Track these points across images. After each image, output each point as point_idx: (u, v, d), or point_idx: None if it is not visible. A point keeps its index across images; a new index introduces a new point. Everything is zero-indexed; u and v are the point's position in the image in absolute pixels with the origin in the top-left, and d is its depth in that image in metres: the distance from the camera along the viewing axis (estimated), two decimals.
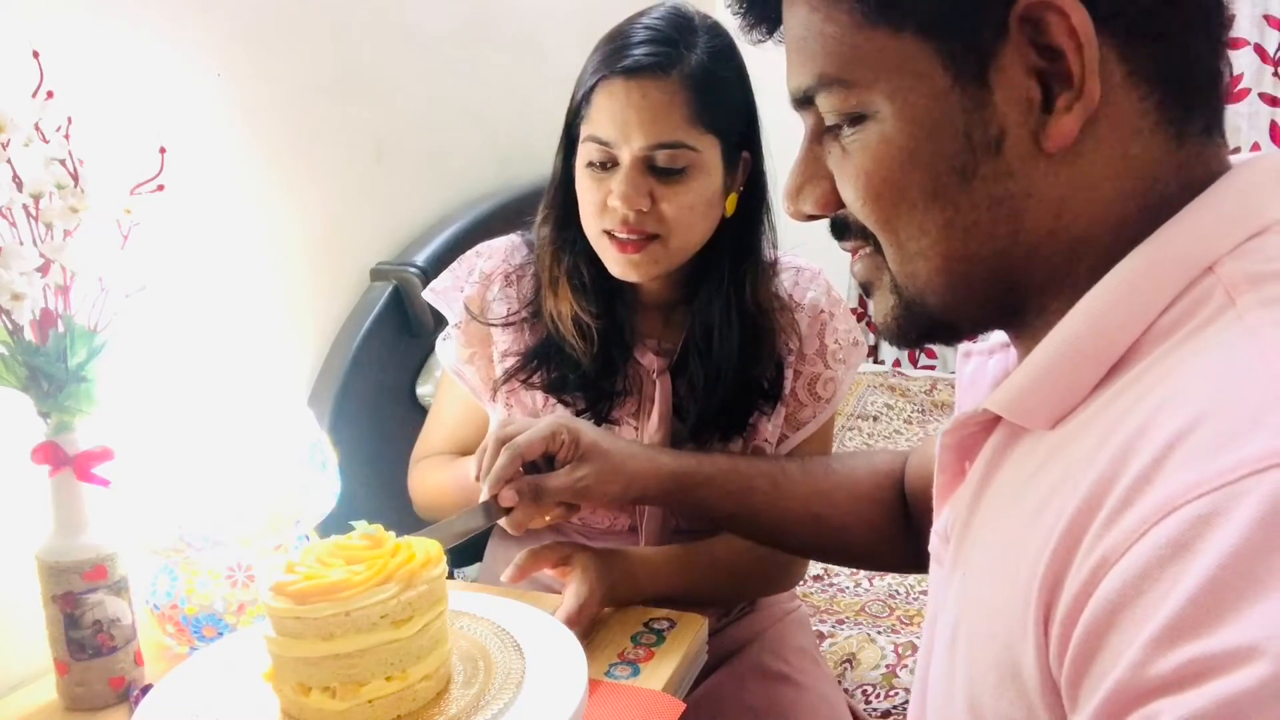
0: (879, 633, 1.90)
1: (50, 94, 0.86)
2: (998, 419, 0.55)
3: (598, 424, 1.13)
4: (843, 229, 0.59)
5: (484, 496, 0.95)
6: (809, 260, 1.21)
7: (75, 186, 0.86)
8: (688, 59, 1.03)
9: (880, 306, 0.58)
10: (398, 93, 1.62)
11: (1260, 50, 2.92)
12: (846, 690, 1.71)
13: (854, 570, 2.07)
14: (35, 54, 0.85)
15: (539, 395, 1.16)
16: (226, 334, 1.25)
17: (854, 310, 3.03)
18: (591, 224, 1.09)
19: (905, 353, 3.37)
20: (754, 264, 1.13)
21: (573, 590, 0.99)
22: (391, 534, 0.80)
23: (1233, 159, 0.53)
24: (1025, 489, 0.51)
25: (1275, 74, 2.93)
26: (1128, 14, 0.48)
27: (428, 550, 0.78)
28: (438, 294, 1.22)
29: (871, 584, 2.07)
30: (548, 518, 1.01)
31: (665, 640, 0.98)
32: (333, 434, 1.13)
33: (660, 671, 0.93)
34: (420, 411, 1.45)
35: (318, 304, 1.46)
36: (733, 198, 1.11)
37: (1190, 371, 0.45)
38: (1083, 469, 0.45)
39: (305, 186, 1.42)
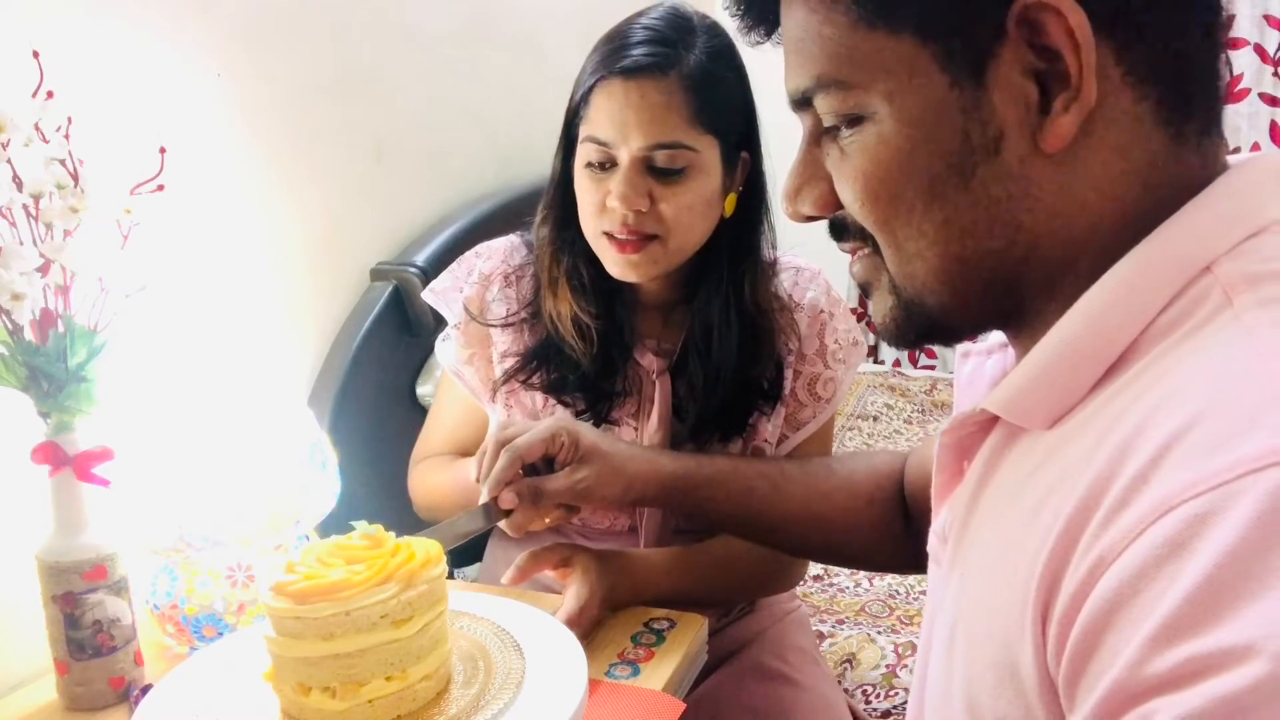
0: (879, 633, 1.90)
1: (50, 94, 0.86)
2: (996, 419, 0.55)
3: (597, 424, 1.13)
4: (841, 230, 0.59)
5: (484, 499, 0.95)
6: (808, 260, 1.21)
7: (75, 186, 0.86)
8: (686, 59, 1.03)
9: (879, 307, 0.58)
10: (398, 93, 1.62)
11: (1260, 50, 2.91)
12: (846, 690, 1.71)
13: (854, 570, 2.07)
14: (35, 54, 0.85)
15: (538, 396, 1.16)
16: (226, 334, 1.25)
17: (854, 310, 3.03)
18: (590, 224, 1.09)
19: (905, 353, 3.37)
20: (753, 264, 1.13)
21: (573, 592, 0.99)
22: (391, 534, 0.80)
23: (1232, 159, 0.53)
24: (1023, 488, 0.51)
25: (1275, 74, 2.93)
26: (1125, 14, 0.48)
27: (428, 550, 0.78)
28: (437, 294, 1.22)
29: (871, 584, 2.07)
30: (548, 520, 1.01)
31: (665, 640, 0.98)
32: (333, 434, 1.13)
33: (660, 671, 0.93)
34: (420, 412, 1.45)
35: (318, 304, 1.46)
36: (732, 198, 1.11)
37: (1187, 371, 0.45)
38: (1080, 468, 0.45)
39: (305, 186, 1.42)
